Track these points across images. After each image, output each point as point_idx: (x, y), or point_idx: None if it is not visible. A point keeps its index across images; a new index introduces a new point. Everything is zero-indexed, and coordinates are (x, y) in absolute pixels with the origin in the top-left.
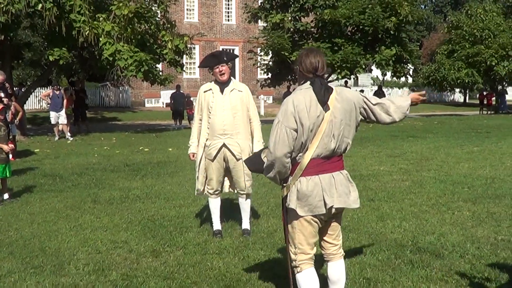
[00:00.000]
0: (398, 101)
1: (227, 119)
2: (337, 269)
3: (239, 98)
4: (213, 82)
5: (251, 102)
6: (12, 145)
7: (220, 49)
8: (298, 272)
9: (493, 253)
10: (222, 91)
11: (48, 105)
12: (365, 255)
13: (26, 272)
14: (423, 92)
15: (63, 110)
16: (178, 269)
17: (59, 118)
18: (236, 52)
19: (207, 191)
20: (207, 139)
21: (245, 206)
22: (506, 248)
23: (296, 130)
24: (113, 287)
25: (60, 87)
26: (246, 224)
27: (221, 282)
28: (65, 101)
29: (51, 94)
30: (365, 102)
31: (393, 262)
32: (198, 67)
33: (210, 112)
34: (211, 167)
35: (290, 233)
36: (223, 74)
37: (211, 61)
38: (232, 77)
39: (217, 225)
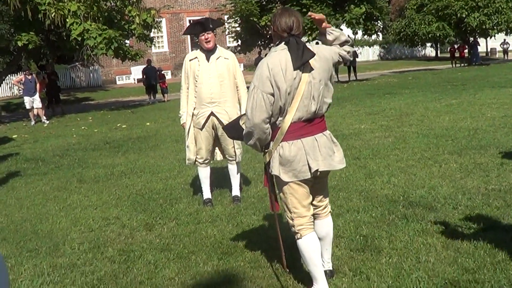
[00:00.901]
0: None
1: (214, 87)
2: (324, 226)
3: (226, 66)
4: (198, 50)
5: (238, 70)
6: None
7: (203, 17)
8: (298, 239)
9: (485, 203)
10: (208, 59)
11: (20, 91)
12: (359, 213)
13: (22, 256)
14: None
15: (37, 94)
16: (174, 240)
17: (34, 102)
18: None
19: (197, 161)
20: (194, 108)
21: (234, 173)
22: (498, 197)
23: (272, 95)
24: (111, 263)
25: (32, 72)
26: (236, 191)
27: (218, 250)
28: (38, 85)
29: (23, 79)
30: (339, 53)
31: (387, 218)
32: (183, 34)
33: (196, 81)
34: (200, 136)
35: (282, 199)
36: (209, 41)
37: (196, 29)
38: (217, 45)
39: (207, 193)
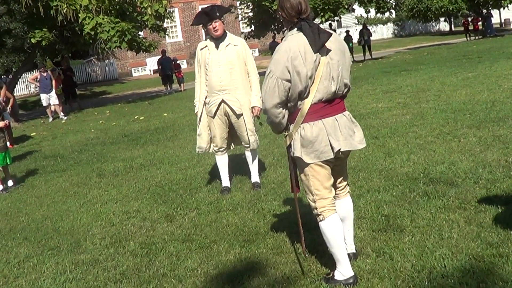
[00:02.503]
0: None
1: (224, 75)
2: (344, 206)
3: (235, 53)
4: (208, 39)
5: (249, 56)
6: (6, 122)
7: (210, 6)
8: (321, 221)
9: (506, 175)
10: (217, 47)
11: (37, 89)
12: (379, 193)
13: (44, 255)
14: None
15: (53, 91)
16: (195, 231)
17: (50, 99)
18: None
19: (213, 149)
20: (206, 97)
21: (251, 160)
22: None
23: (289, 81)
24: (133, 257)
25: (47, 69)
26: (255, 177)
27: (240, 238)
28: (53, 81)
29: (38, 77)
30: None
31: (408, 196)
32: (191, 24)
33: (207, 69)
34: (213, 124)
35: (304, 181)
36: (217, 30)
37: (203, 19)
38: (228, 32)
39: (225, 181)
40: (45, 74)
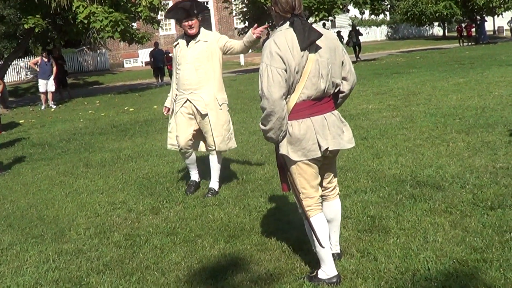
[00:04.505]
0: None
1: (190, 74)
2: (332, 208)
3: (203, 49)
4: (183, 35)
5: (222, 40)
6: None
7: (188, 1)
8: (306, 219)
9: (493, 181)
10: (188, 44)
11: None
12: (366, 193)
13: (27, 243)
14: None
15: (52, 78)
16: (180, 224)
17: (47, 85)
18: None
19: (175, 147)
20: (176, 94)
21: (213, 164)
22: (506, 175)
23: (285, 70)
24: (117, 248)
25: (50, 55)
26: (213, 183)
27: (225, 233)
28: (54, 68)
29: (39, 61)
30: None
31: (395, 198)
32: (165, 17)
33: (177, 67)
34: (178, 122)
35: (290, 179)
36: (192, 28)
37: (179, 14)
38: (202, 28)
39: (194, 176)
40: (46, 59)
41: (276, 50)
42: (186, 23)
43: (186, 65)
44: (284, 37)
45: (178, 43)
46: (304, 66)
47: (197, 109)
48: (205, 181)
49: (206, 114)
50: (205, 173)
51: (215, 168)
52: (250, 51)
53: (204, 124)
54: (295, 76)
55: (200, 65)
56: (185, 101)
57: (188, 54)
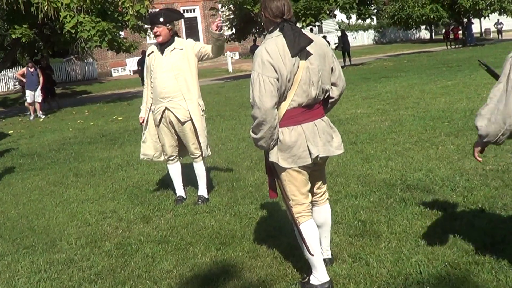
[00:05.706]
0: None
1: (168, 82)
2: (322, 213)
3: (181, 57)
4: (157, 43)
5: (197, 47)
6: None
7: (176, 9)
8: (296, 226)
9: (483, 183)
10: (162, 52)
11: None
12: (356, 198)
13: (18, 253)
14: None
15: (39, 88)
16: (171, 232)
17: (35, 96)
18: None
19: (164, 157)
20: (151, 104)
21: (198, 171)
22: (496, 177)
23: (277, 79)
24: (108, 257)
25: (35, 65)
26: (201, 190)
27: (216, 240)
28: (41, 78)
29: (25, 72)
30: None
31: (385, 202)
32: (143, 23)
33: (151, 76)
34: (160, 132)
35: (280, 186)
36: (158, 35)
37: (147, 21)
38: (177, 37)
39: (179, 191)
40: (32, 69)
41: (268, 59)
42: (152, 31)
43: (162, 74)
44: (275, 44)
45: (152, 52)
46: (295, 73)
47: (176, 118)
48: (193, 189)
49: (185, 122)
50: (191, 182)
51: (201, 175)
52: (237, 58)
53: (184, 132)
54: (286, 84)
55: (179, 72)
56: (164, 110)
57: (164, 62)
